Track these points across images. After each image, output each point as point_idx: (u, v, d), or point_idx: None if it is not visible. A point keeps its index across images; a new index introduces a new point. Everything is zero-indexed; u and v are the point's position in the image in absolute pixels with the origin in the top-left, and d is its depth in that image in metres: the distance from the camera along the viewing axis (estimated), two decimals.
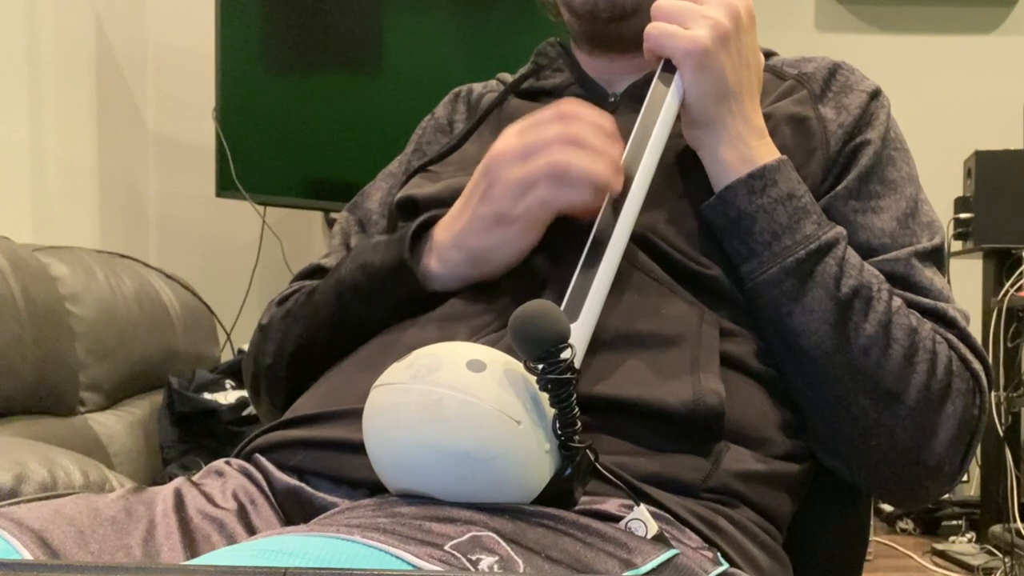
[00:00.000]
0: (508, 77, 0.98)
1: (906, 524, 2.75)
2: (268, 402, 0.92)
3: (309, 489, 0.67)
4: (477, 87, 1.01)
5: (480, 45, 2.51)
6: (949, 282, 0.83)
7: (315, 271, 0.93)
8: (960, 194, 2.70)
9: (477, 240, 0.75)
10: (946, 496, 2.61)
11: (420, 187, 0.89)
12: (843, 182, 0.81)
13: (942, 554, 2.49)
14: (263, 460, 0.71)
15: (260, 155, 2.45)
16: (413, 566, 0.47)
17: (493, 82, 1.01)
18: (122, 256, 1.95)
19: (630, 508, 0.60)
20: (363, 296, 0.80)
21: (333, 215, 2.58)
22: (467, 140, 0.92)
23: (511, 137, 0.75)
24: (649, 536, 0.58)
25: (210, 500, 0.67)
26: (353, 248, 0.85)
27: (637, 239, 0.75)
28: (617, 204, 0.72)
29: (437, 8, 2.54)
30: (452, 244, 0.76)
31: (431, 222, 0.80)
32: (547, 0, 0.97)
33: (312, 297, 0.85)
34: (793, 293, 0.75)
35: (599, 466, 0.58)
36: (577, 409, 0.56)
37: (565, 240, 0.75)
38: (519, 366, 0.57)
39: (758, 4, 0.80)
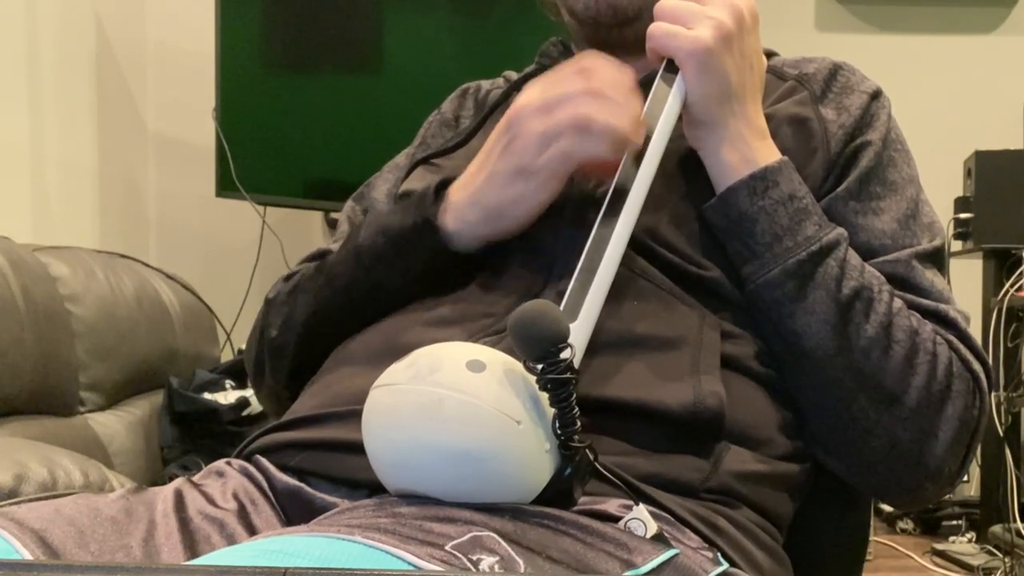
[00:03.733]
0: (514, 75, 0.98)
1: (906, 524, 2.75)
2: (272, 380, 0.91)
3: (309, 490, 0.67)
4: (485, 84, 1.01)
5: (480, 45, 2.51)
6: (949, 283, 0.83)
7: (322, 255, 0.93)
8: (960, 194, 2.70)
9: (496, 195, 0.75)
10: (946, 496, 2.61)
11: (422, 179, 0.89)
12: (844, 183, 0.81)
13: (942, 554, 2.49)
14: (263, 461, 0.71)
15: (260, 155, 2.45)
16: (414, 566, 0.47)
17: (500, 80, 1.01)
18: (122, 256, 1.95)
19: (629, 508, 0.60)
20: (384, 260, 0.80)
21: (333, 215, 2.59)
22: (472, 136, 0.92)
23: (533, 91, 0.76)
24: (649, 536, 0.58)
25: (210, 500, 0.67)
26: (368, 217, 0.85)
27: (637, 242, 0.75)
28: (623, 190, 0.72)
29: (437, 8, 2.54)
30: (469, 202, 0.77)
31: (447, 183, 0.80)
32: (547, 0, 0.97)
33: (323, 269, 0.85)
34: (794, 294, 0.75)
35: (599, 466, 0.58)
36: (577, 409, 0.56)
37: (570, 228, 0.75)
38: (519, 366, 0.57)
39: (758, 4, 0.80)
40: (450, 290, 0.78)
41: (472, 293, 0.77)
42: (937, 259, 0.82)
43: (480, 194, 0.76)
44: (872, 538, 2.48)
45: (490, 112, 0.92)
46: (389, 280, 0.80)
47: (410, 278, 0.79)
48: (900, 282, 0.79)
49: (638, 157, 0.73)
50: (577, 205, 0.79)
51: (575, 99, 0.73)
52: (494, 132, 0.78)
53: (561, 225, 0.77)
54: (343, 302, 0.82)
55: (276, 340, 0.88)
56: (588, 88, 0.73)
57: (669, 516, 0.64)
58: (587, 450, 0.57)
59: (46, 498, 0.64)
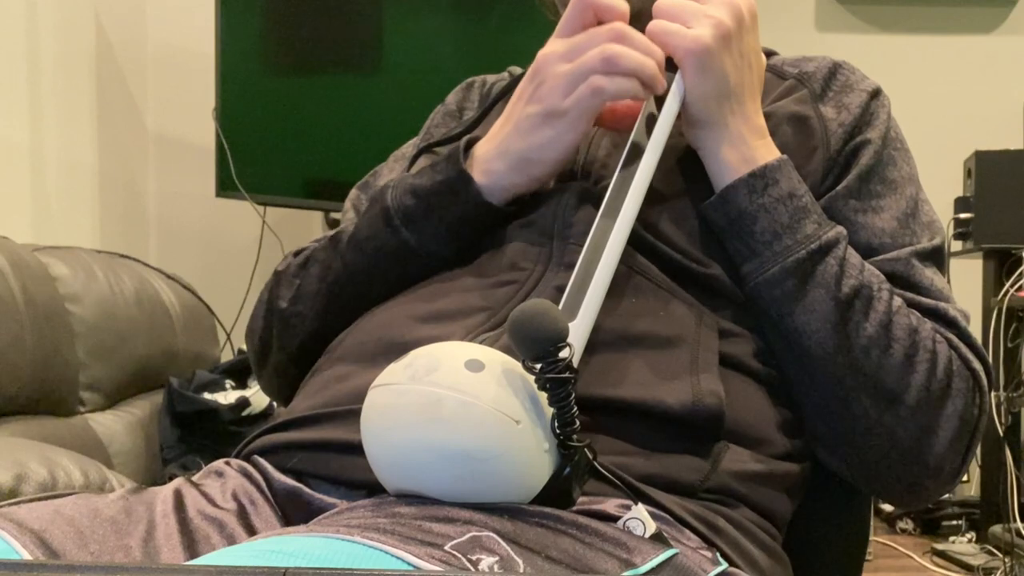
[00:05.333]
0: (519, 70, 0.98)
1: (906, 524, 2.75)
2: (280, 354, 0.91)
3: (308, 490, 0.67)
4: (490, 78, 1.02)
5: (480, 45, 2.51)
6: (949, 282, 0.83)
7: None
8: (960, 194, 2.70)
9: (523, 141, 0.76)
10: (946, 496, 2.61)
11: None
12: (843, 181, 0.81)
13: (942, 554, 2.49)
14: (262, 461, 0.71)
15: (260, 155, 2.45)
16: (413, 566, 0.47)
17: (505, 74, 1.01)
18: (122, 256, 1.95)
19: (628, 508, 0.60)
20: (416, 220, 0.80)
21: (333, 215, 2.59)
22: (476, 125, 0.92)
23: (556, 41, 0.77)
24: (647, 536, 0.58)
25: (210, 500, 0.66)
26: (391, 181, 0.85)
27: (637, 238, 0.75)
28: (623, 188, 0.72)
29: (437, 8, 2.54)
30: (496, 153, 0.77)
31: (474, 141, 0.81)
32: (547, 0, 0.97)
33: (342, 237, 0.85)
34: (794, 293, 0.75)
35: (598, 465, 0.58)
36: (576, 408, 0.56)
37: (568, 221, 0.76)
38: (517, 366, 0.57)
39: (758, 4, 0.80)
40: (445, 281, 0.78)
41: (468, 286, 0.77)
42: (937, 258, 0.82)
43: (507, 143, 0.77)
44: (872, 538, 2.48)
45: (494, 103, 0.92)
46: (419, 241, 0.80)
47: (440, 239, 0.79)
48: (900, 280, 0.79)
49: (638, 154, 0.73)
50: (577, 197, 0.79)
51: (601, 40, 0.74)
52: (520, 85, 0.79)
53: (559, 218, 0.78)
54: (370, 265, 0.82)
55: (287, 310, 0.88)
56: (613, 30, 0.75)
57: (668, 516, 0.64)
58: (586, 450, 0.57)
59: (46, 498, 0.64)
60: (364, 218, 0.84)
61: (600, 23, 0.77)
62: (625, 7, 0.77)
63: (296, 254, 0.91)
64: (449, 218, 0.79)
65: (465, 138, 0.80)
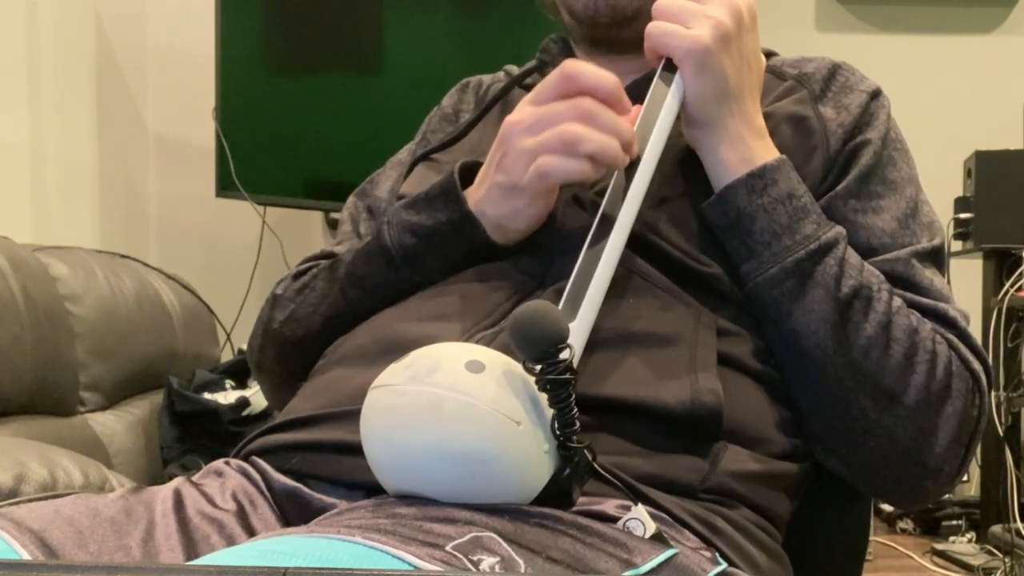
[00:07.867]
0: (515, 69, 0.98)
1: (906, 524, 2.75)
2: (274, 372, 0.92)
3: (307, 491, 0.67)
4: (486, 79, 1.02)
5: (480, 45, 2.51)
6: (949, 282, 0.83)
7: (327, 256, 0.93)
8: (960, 194, 2.70)
9: (494, 209, 0.77)
10: (946, 496, 2.61)
11: (423, 176, 0.89)
12: (843, 182, 0.81)
13: (942, 554, 2.49)
14: (261, 462, 0.71)
15: (260, 155, 2.45)
16: (414, 567, 0.47)
17: (501, 74, 1.01)
18: (122, 256, 1.95)
19: (627, 509, 0.60)
20: (418, 259, 0.80)
21: (333, 215, 2.59)
22: (472, 128, 0.92)
23: (526, 107, 0.76)
24: (647, 536, 0.58)
25: (210, 501, 0.67)
26: (385, 214, 0.85)
27: (637, 239, 0.75)
28: (620, 191, 0.72)
29: (437, 8, 2.54)
30: (478, 212, 0.78)
31: (465, 169, 0.81)
32: (547, 0, 0.97)
33: (339, 268, 0.85)
34: (793, 293, 0.75)
35: (597, 467, 0.58)
36: (576, 409, 0.56)
37: (570, 223, 0.76)
38: (518, 367, 0.57)
39: (758, 4, 0.80)
40: (444, 286, 0.79)
41: (469, 288, 0.77)
42: (936, 258, 0.82)
43: (483, 204, 0.77)
44: (872, 538, 2.48)
45: (490, 106, 0.92)
46: (424, 277, 0.80)
47: (444, 271, 0.80)
48: (899, 281, 0.79)
49: (635, 158, 0.73)
50: (575, 202, 0.79)
51: (566, 118, 0.72)
52: (493, 144, 0.78)
53: (561, 220, 0.78)
54: (371, 299, 0.82)
55: (279, 330, 0.90)
56: (578, 107, 0.72)
57: (667, 516, 0.64)
58: (586, 451, 0.57)
59: (46, 498, 0.64)
60: (361, 254, 0.84)
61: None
62: (611, 83, 0.73)
63: (295, 277, 0.91)
64: (454, 256, 0.79)
65: (457, 171, 0.80)
